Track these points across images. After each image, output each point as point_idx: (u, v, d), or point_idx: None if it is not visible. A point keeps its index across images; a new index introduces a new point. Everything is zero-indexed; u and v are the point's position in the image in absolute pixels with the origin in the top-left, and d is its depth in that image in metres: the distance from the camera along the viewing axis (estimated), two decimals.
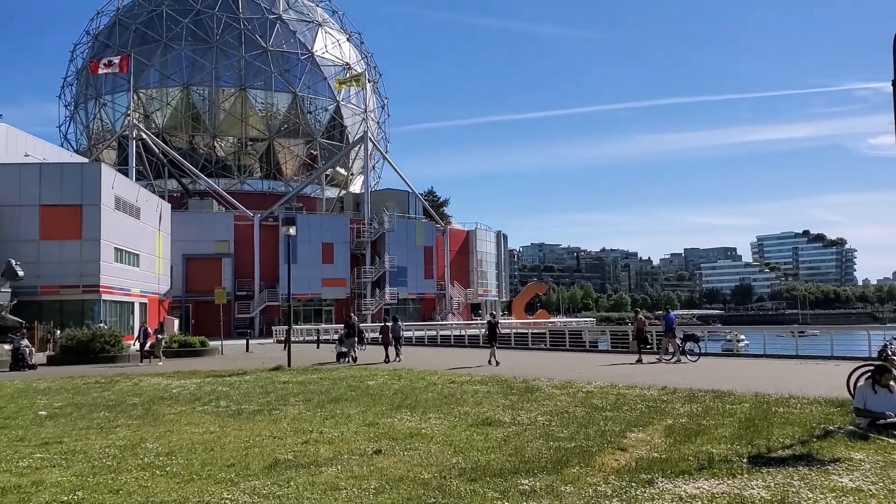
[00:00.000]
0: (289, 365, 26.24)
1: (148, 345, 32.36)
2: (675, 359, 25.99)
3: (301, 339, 52.62)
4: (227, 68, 78.69)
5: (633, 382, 17.78)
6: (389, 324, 30.74)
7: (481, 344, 40.78)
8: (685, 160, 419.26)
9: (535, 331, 41.66)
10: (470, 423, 12.04)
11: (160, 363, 30.55)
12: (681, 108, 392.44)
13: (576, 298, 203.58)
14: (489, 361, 25.37)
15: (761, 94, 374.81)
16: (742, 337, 45.01)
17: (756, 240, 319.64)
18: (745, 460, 8.68)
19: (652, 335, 30.87)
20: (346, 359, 29.07)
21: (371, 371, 22.93)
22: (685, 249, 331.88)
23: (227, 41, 78.58)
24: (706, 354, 28.69)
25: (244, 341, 45.66)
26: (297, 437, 11.02)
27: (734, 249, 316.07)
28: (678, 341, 26.64)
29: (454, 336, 45.50)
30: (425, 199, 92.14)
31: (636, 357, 26.33)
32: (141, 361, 31.43)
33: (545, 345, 39.02)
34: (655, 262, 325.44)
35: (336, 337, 36.59)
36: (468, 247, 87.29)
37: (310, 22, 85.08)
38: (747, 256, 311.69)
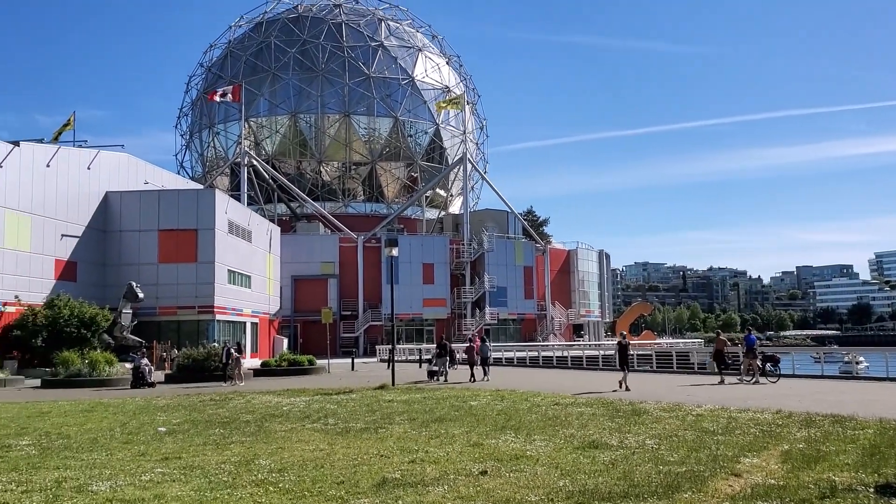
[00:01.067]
0: (393, 384, 26.59)
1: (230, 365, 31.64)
2: (754, 380, 26.07)
3: (403, 358, 53.24)
4: (331, 95, 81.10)
5: (746, 406, 17.14)
6: (476, 344, 31.58)
7: (585, 365, 40.25)
8: (796, 175, 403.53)
9: (641, 352, 40.72)
10: (576, 445, 11.89)
11: (240, 384, 29.98)
12: (790, 121, 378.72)
13: (682, 319, 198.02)
14: (620, 385, 23.21)
15: (875, 105, 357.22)
16: (861, 358, 42.67)
17: (874, 256, 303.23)
18: (871, 490, 8.23)
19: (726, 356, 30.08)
20: (438, 377, 30.45)
21: (473, 391, 22.97)
22: (797, 267, 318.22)
23: (332, 69, 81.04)
24: (818, 377, 27.52)
25: (349, 360, 46.53)
26: (404, 455, 11.15)
27: (850, 267, 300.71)
28: (758, 362, 26.64)
29: (556, 357, 45.02)
30: (525, 219, 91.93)
31: (717, 378, 26.61)
32: (224, 382, 30.79)
33: (651, 366, 38.11)
34: (766, 280, 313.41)
35: (429, 357, 37.18)
36: (569, 266, 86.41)
37: (410, 47, 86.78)
38: (864, 274, 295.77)
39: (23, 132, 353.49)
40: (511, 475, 9.46)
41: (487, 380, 29.48)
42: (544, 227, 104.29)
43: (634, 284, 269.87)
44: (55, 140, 48.70)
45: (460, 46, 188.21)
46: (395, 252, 29.42)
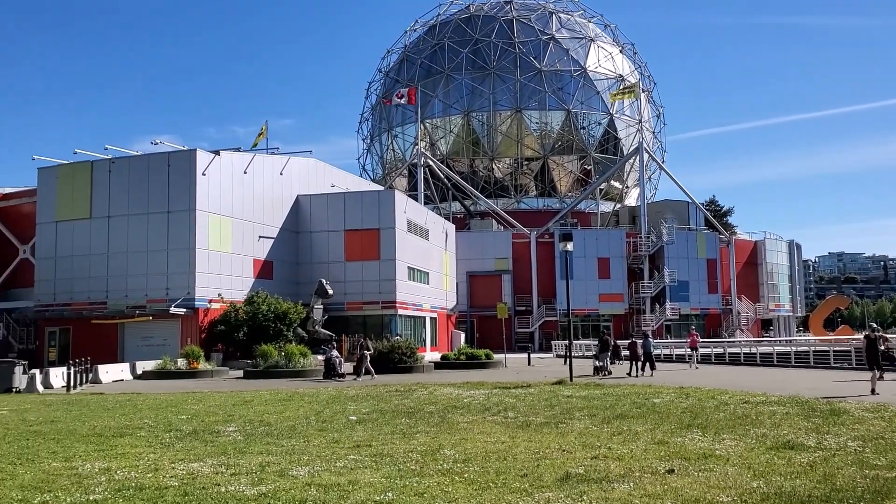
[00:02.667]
0: (571, 379, 26.45)
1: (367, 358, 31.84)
2: None
3: (580, 353, 52.74)
4: (503, 92, 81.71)
5: None
6: (639, 340, 32.14)
7: (775, 362, 38.07)
8: None
9: (838, 348, 37.89)
10: (769, 445, 11.32)
11: (369, 379, 30.32)
12: None
13: (884, 312, 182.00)
14: (872, 390, 20.22)
15: None
16: None
17: None
18: None
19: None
20: (602, 372, 31.01)
21: (656, 389, 22.38)
22: None
23: (504, 66, 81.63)
24: None
25: (525, 355, 46.75)
26: (586, 451, 11.09)
27: None
28: None
29: (743, 354, 42.88)
30: (706, 209, 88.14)
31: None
32: (357, 377, 31.00)
33: (850, 364, 35.41)
34: None
35: (591, 353, 37.10)
36: (756, 258, 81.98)
37: (582, 38, 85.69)
38: None
39: (222, 142, 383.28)
40: (700, 474, 9.16)
41: (651, 375, 30.17)
42: (728, 218, 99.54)
43: (829, 276, 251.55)
44: (254, 147, 52.42)
45: (634, 34, 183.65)
46: (569, 247, 29.18)
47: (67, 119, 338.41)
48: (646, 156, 78.98)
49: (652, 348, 32.41)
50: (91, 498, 8.37)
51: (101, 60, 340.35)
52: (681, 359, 43.90)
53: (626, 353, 33.87)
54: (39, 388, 27.37)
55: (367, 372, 31.37)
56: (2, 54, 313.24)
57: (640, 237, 73.14)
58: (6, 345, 49.09)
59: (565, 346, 40.37)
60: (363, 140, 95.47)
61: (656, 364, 33.08)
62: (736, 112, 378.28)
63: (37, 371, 28.70)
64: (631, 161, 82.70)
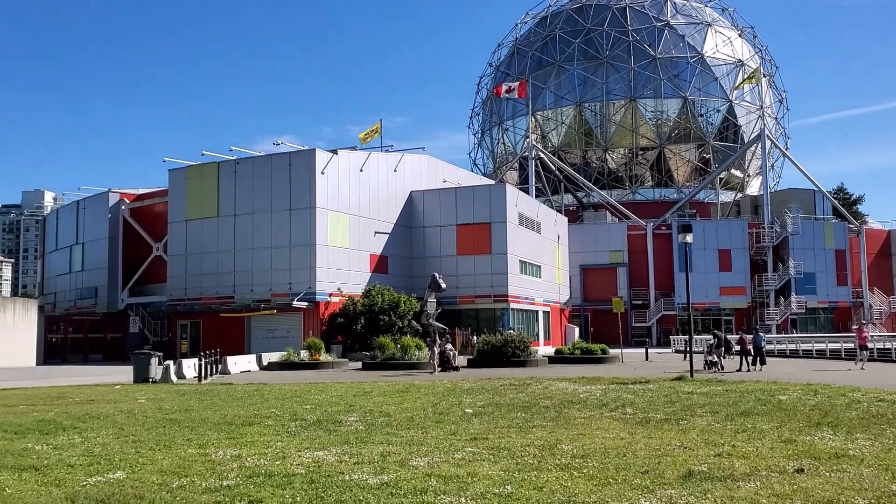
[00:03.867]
0: (691, 375, 25.77)
1: (437, 351, 32.00)
2: None
3: (701, 349, 51.12)
4: (616, 81, 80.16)
5: None
6: (749, 336, 32.41)
7: None
8: None
9: None
10: None
11: (434, 372, 30.56)
12: None
13: None
14: None
15: None
16: None
17: None
18: None
19: None
20: (714, 367, 30.81)
21: (782, 385, 21.50)
22: None
23: (617, 55, 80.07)
24: None
25: (642, 350, 45.79)
26: (709, 448, 10.80)
27: None
28: None
29: (877, 349, 40.47)
30: (834, 197, 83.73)
31: None
32: (433, 371, 31.27)
33: None
34: None
35: (705, 348, 36.20)
36: (889, 248, 77.26)
37: (699, 23, 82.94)
38: None
39: (338, 142, 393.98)
40: (831, 475, 8.77)
41: (760, 370, 29.89)
42: (858, 206, 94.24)
43: None
44: (364, 142, 53.60)
45: (753, 16, 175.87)
46: (688, 238, 28.36)
47: (195, 122, 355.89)
48: (768, 143, 75.72)
49: (763, 343, 32.46)
50: (224, 483, 8.81)
51: (224, 65, 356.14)
52: (808, 354, 42.08)
53: (737, 348, 33.42)
54: (173, 378, 28.97)
55: (434, 365, 31.53)
56: (133, 64, 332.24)
57: (763, 227, 70.23)
58: (142, 337, 52.28)
59: (685, 341, 39.37)
60: (474, 135, 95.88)
61: (766, 359, 32.49)
62: (865, 94, 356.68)
63: (170, 362, 30.38)
64: (752, 148, 79.49)
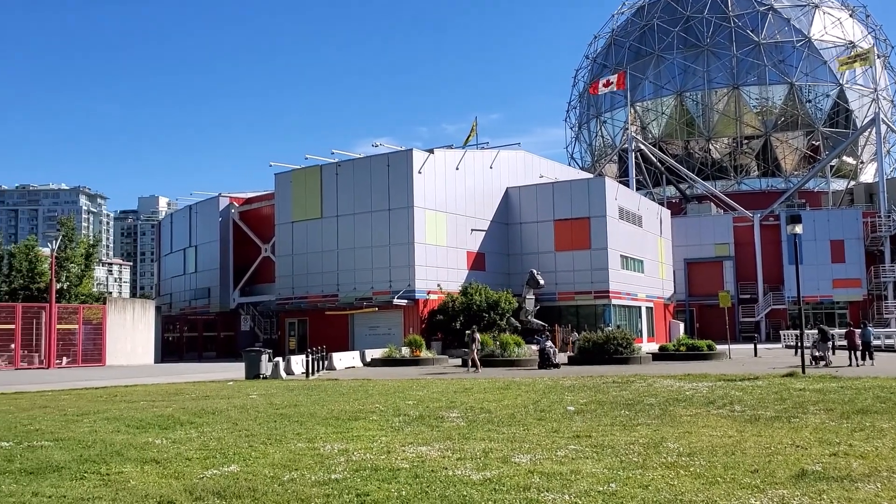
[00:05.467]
0: (803, 371, 24.78)
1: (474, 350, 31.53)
2: None
3: (811, 344, 48.99)
4: (718, 69, 77.75)
5: None
6: (857, 330, 31.18)
7: None
8: None
9: None
10: None
11: (474, 370, 30.23)
12: None
13: None
14: None
15: None
16: None
17: None
18: None
19: None
20: (820, 362, 29.99)
21: None
22: None
23: (718, 42, 77.63)
24: None
25: (750, 345, 44.27)
26: (823, 448, 10.39)
27: None
28: None
29: None
30: None
31: None
32: (468, 369, 31.02)
33: None
34: None
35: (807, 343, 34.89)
36: None
37: (805, 5, 79.41)
38: None
39: (433, 141, 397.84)
40: None
41: (872, 364, 29.28)
42: None
43: None
44: (465, 145, 53.91)
45: None
46: (798, 229, 27.24)
47: (299, 127, 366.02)
48: (883, 127, 71.77)
49: (871, 338, 31.56)
50: (332, 477, 9.08)
51: (323, 72, 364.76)
52: None
53: (844, 342, 32.66)
54: (282, 374, 29.94)
55: (473, 364, 31.05)
56: (240, 74, 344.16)
57: (880, 216, 66.66)
58: (253, 335, 54.24)
59: (796, 335, 37.92)
60: (571, 128, 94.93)
61: (875, 354, 31.84)
62: None
63: (279, 359, 31.40)
64: (866, 134, 75.58)
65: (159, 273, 72.82)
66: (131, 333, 43.90)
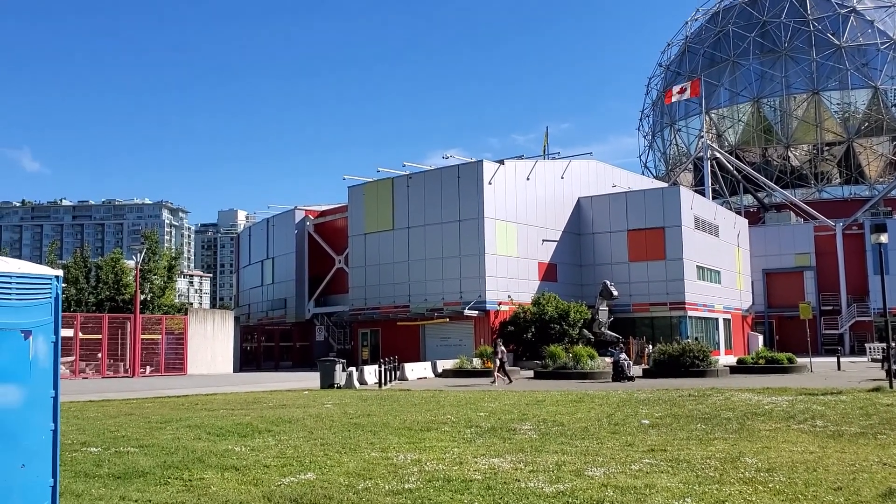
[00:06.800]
0: (891, 386, 23.81)
1: (498, 362, 31.31)
2: None
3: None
4: (797, 74, 75.62)
5: None
6: None
7: None
8: None
9: None
10: None
11: (499, 385, 29.71)
12: None
13: None
14: None
15: None
16: None
17: None
18: None
19: None
20: None
21: None
22: None
23: (797, 46, 75.52)
24: None
25: (833, 359, 42.77)
26: None
27: None
28: None
29: None
30: None
31: None
32: (495, 382, 30.43)
33: None
34: None
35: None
36: None
37: (889, 6, 76.63)
38: None
39: (503, 152, 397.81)
40: None
41: None
42: None
43: None
44: (544, 153, 53.85)
45: None
46: (883, 238, 26.26)
47: (371, 140, 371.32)
48: None
49: None
50: (406, 486, 9.19)
51: (395, 85, 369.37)
52: None
53: None
54: (356, 384, 30.34)
55: (504, 375, 30.68)
56: (315, 89, 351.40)
57: None
58: (327, 345, 55.11)
59: (882, 348, 36.48)
60: (644, 137, 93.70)
61: None
62: None
63: (353, 369, 31.83)
64: None
65: (238, 284, 74.77)
66: (211, 343, 45.13)
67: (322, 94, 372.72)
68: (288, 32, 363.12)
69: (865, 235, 61.63)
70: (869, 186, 76.12)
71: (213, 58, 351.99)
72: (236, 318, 52.67)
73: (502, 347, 32.52)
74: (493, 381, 30.73)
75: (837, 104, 75.50)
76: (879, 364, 36.22)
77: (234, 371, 46.52)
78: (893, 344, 27.84)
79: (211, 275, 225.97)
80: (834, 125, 75.74)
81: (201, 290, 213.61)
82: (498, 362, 31.43)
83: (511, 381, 30.62)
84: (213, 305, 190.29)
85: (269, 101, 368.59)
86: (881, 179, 76.01)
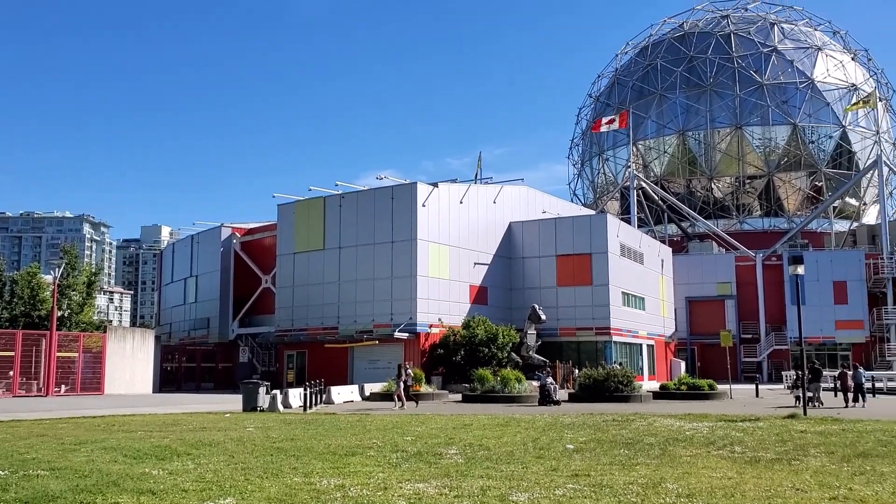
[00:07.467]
0: (805, 413, 24.65)
1: (402, 385, 31.43)
2: None
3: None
4: (721, 109, 78.32)
5: None
6: (849, 371, 32.36)
7: None
8: None
9: None
10: None
11: (398, 407, 29.97)
12: None
13: None
14: None
15: None
16: None
17: None
18: None
19: None
20: (813, 403, 29.57)
21: None
22: None
23: (721, 82, 78.29)
24: None
25: (752, 386, 44.05)
26: (823, 491, 10.32)
27: None
28: None
29: None
30: None
31: None
32: (399, 406, 30.36)
33: None
34: None
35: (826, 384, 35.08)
36: None
37: (808, 48, 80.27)
38: None
39: (438, 175, 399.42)
40: None
41: (863, 406, 30.16)
42: None
43: None
44: (476, 178, 54.25)
45: (868, 39, 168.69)
46: (800, 270, 27.30)
47: (303, 159, 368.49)
48: (885, 169, 72.18)
49: (863, 379, 32.31)
50: None
51: (328, 103, 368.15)
52: None
53: (836, 383, 33.70)
54: (280, 407, 29.78)
55: (403, 399, 30.79)
56: (244, 105, 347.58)
57: (882, 258, 66.65)
58: (251, 367, 54.02)
59: (792, 376, 37.99)
60: (574, 165, 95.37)
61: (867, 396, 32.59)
62: None
63: (277, 391, 31.26)
64: (868, 175, 75.93)
65: (160, 302, 72.80)
66: (130, 362, 43.77)
67: (254, 112, 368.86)
68: (219, 47, 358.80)
69: (784, 266, 63.85)
70: (787, 219, 79.07)
71: (140, 72, 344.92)
72: (157, 338, 51.25)
73: (409, 371, 32.68)
74: (398, 404, 30.64)
75: (759, 139, 78.41)
76: (790, 391, 37.63)
77: (154, 392, 45.22)
78: (808, 373, 28.92)
79: (132, 292, 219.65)
80: (755, 159, 78.60)
81: (121, 308, 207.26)
82: (402, 385, 31.54)
83: (403, 406, 30.24)
84: (133, 323, 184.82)
85: (199, 116, 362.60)
86: (799, 213, 79.07)
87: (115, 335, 44.52)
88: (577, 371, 41.82)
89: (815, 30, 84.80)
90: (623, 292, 53.03)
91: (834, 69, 79.23)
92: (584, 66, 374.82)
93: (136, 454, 14.43)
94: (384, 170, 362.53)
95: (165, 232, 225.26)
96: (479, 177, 56.84)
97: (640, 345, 55.91)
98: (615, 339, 50.78)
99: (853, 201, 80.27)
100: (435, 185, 48.35)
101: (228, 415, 26.12)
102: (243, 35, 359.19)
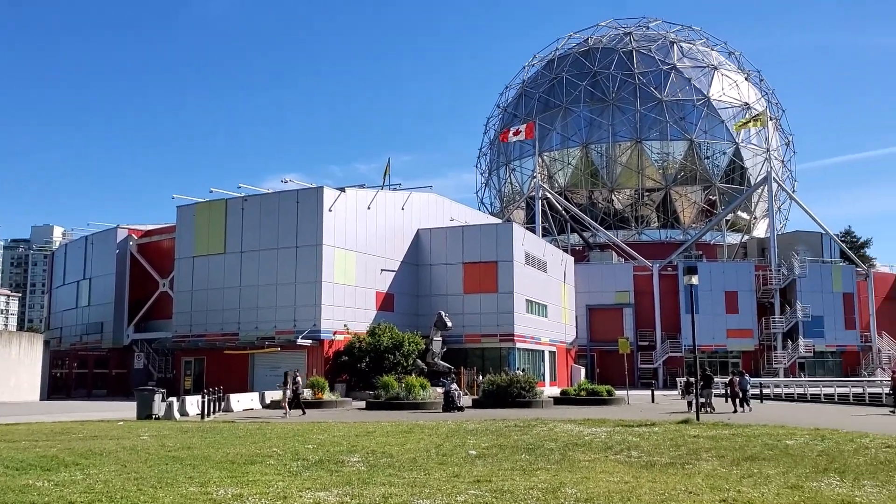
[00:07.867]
0: (697, 418, 25.59)
1: (289, 393, 31.18)
2: None
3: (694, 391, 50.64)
4: (622, 123, 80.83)
5: None
6: (737, 378, 33.86)
7: None
8: None
9: None
10: None
11: (289, 415, 29.68)
12: None
13: None
14: None
15: None
16: None
17: None
18: None
19: None
20: (705, 409, 30.31)
21: (789, 430, 21.32)
22: None
23: (623, 97, 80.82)
24: None
25: (648, 392, 45.48)
26: (714, 494, 10.71)
27: None
28: None
29: (885, 394, 40.08)
30: (842, 241, 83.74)
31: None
32: (285, 415, 29.86)
33: None
34: None
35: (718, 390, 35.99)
36: None
37: (705, 67, 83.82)
38: None
39: (345, 180, 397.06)
40: None
41: (749, 411, 31.76)
42: (866, 249, 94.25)
43: None
44: (383, 184, 54.00)
45: (760, 60, 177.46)
46: (694, 280, 28.38)
47: (205, 160, 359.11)
48: (774, 185, 75.99)
49: (748, 386, 34.03)
50: None
51: (232, 104, 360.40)
52: (802, 398, 42.37)
53: (726, 389, 35.42)
54: (176, 415, 28.87)
55: (287, 407, 30.63)
56: (143, 101, 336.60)
57: (770, 270, 70.14)
58: (146, 373, 52.16)
59: (684, 382, 39.30)
60: (481, 174, 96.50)
61: (751, 402, 34.37)
62: (873, 137, 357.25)
63: (174, 399, 30.30)
64: (759, 191, 79.79)
65: (50, 306, 69.46)
66: (16, 368, 41.62)
67: (154, 111, 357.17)
68: (122, 41, 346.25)
69: (679, 276, 66.30)
70: (683, 231, 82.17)
71: (32, 62, 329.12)
72: (46, 342, 48.90)
73: (299, 379, 32.25)
74: (284, 413, 30.21)
75: (657, 153, 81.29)
76: (683, 397, 38.96)
77: (42, 399, 43.14)
78: (700, 379, 30.09)
79: (20, 294, 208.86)
80: (654, 172, 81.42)
81: (8, 311, 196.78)
82: (290, 394, 31.14)
83: (286, 416, 29.67)
84: (21, 328, 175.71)
85: (96, 112, 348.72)
86: (694, 225, 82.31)
87: (0, 339, 42.21)
88: (480, 377, 42.17)
89: (712, 50, 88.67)
90: (527, 300, 53.86)
91: (729, 88, 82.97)
92: (493, 76, 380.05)
93: (19, 465, 13.70)
94: (290, 173, 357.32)
95: (58, 232, 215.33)
96: (387, 183, 56.66)
97: (543, 351, 56.89)
98: (519, 345, 51.49)
99: (744, 215, 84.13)
100: (342, 189, 47.93)
101: (122, 423, 25.13)
102: (137, 29, 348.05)
